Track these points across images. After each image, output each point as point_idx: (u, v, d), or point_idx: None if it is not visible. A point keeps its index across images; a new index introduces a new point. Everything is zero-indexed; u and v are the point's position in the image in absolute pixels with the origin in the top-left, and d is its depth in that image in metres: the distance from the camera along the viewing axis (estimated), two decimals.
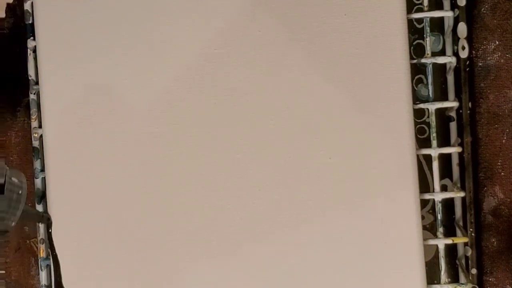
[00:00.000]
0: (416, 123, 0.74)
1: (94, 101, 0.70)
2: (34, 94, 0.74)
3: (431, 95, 0.71)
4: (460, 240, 0.72)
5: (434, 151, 0.70)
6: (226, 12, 0.69)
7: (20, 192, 0.53)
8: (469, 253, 0.73)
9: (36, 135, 0.74)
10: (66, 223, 0.70)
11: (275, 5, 0.69)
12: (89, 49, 0.70)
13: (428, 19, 0.71)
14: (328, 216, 0.68)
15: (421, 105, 0.70)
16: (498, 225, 0.75)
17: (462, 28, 0.72)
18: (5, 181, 0.51)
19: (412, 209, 0.67)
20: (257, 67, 0.69)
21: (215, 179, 0.69)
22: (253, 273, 0.69)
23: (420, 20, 0.75)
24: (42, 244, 0.74)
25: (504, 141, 0.75)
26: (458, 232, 0.75)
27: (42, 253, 0.74)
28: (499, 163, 0.75)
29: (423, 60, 0.70)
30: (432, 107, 0.70)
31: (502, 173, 0.75)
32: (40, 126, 0.73)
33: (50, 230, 0.65)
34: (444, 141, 0.75)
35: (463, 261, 0.75)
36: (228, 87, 0.69)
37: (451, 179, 0.76)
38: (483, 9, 0.75)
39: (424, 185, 0.75)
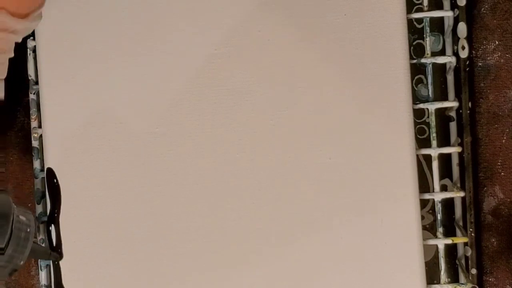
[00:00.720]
0: (416, 123, 0.74)
1: (94, 101, 0.70)
2: (34, 94, 0.74)
3: (431, 95, 0.71)
4: (460, 240, 0.72)
5: (434, 151, 0.70)
6: (226, 12, 0.69)
7: (28, 230, 0.53)
8: (469, 253, 0.73)
9: (36, 135, 0.74)
10: (66, 223, 0.70)
11: (275, 5, 0.69)
12: (89, 49, 0.70)
13: (428, 19, 0.71)
14: (328, 216, 0.68)
15: (421, 105, 0.70)
16: (498, 225, 0.75)
17: (462, 28, 0.72)
18: (13, 220, 0.52)
19: (412, 209, 0.67)
20: (257, 67, 0.69)
21: (215, 179, 0.69)
22: (252, 272, 0.69)
23: (420, 20, 0.75)
24: (42, 244, 0.74)
25: (504, 141, 0.75)
26: (458, 232, 0.75)
27: None
28: (499, 163, 0.75)
29: (423, 60, 0.70)
30: (432, 107, 0.70)
31: (502, 173, 0.75)
32: (40, 126, 0.73)
33: (57, 263, 0.66)
34: (444, 141, 0.75)
35: (463, 261, 0.75)
36: (228, 87, 0.69)
37: (451, 179, 0.76)
38: (483, 9, 0.75)
39: (424, 185, 0.75)
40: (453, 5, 0.73)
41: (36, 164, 0.74)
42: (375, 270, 0.68)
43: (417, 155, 0.69)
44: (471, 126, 0.74)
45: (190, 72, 0.69)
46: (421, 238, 0.67)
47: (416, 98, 0.76)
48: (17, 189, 0.81)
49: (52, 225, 0.68)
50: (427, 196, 0.70)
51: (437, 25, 0.76)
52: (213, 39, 0.69)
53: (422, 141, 0.75)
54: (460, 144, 0.73)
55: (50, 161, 0.70)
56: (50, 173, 0.69)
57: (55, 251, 0.67)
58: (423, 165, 0.76)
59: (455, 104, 0.72)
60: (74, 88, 0.70)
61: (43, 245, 0.69)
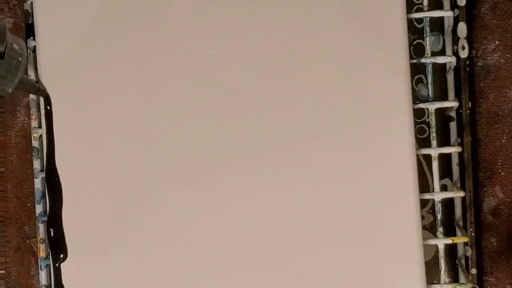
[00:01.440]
0: (416, 123, 0.74)
1: (94, 101, 0.70)
2: None
3: (431, 95, 0.71)
4: (460, 240, 0.72)
5: (434, 151, 0.70)
6: (226, 12, 0.69)
7: (20, 59, 0.52)
8: (469, 253, 0.73)
9: (36, 135, 0.74)
10: (66, 223, 0.70)
11: (275, 5, 0.69)
12: (89, 49, 0.70)
13: (428, 19, 0.71)
14: (328, 216, 0.68)
15: (421, 105, 0.70)
16: (498, 225, 0.75)
17: (462, 28, 0.72)
18: (6, 46, 0.51)
19: (412, 209, 0.67)
20: (257, 67, 0.69)
21: (214, 179, 0.69)
22: (252, 272, 0.69)
23: (420, 20, 0.75)
24: (42, 244, 0.74)
25: (504, 141, 0.75)
26: (458, 232, 0.75)
27: (42, 253, 0.74)
28: (499, 163, 0.75)
29: (423, 60, 0.70)
30: (432, 107, 0.70)
31: (502, 173, 0.75)
32: (40, 126, 0.73)
33: (49, 108, 0.64)
34: (444, 141, 0.75)
35: (463, 261, 0.75)
36: (228, 87, 0.69)
37: (451, 179, 0.76)
38: (483, 9, 0.75)
39: (424, 185, 0.75)
40: (453, 5, 0.73)
41: (36, 164, 0.74)
42: (375, 270, 0.68)
43: (417, 155, 0.69)
44: (471, 126, 0.74)
45: (190, 72, 0.69)
46: (421, 238, 0.67)
47: (416, 98, 0.76)
48: (17, 189, 0.81)
49: (54, 224, 0.68)
50: (427, 196, 0.70)
51: (437, 25, 0.76)
52: (212, 38, 0.69)
53: (422, 141, 0.75)
54: (460, 144, 0.73)
55: None
56: (50, 172, 0.69)
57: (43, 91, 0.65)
58: (423, 165, 0.76)
59: (455, 104, 0.72)
60: (74, 88, 0.70)
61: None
